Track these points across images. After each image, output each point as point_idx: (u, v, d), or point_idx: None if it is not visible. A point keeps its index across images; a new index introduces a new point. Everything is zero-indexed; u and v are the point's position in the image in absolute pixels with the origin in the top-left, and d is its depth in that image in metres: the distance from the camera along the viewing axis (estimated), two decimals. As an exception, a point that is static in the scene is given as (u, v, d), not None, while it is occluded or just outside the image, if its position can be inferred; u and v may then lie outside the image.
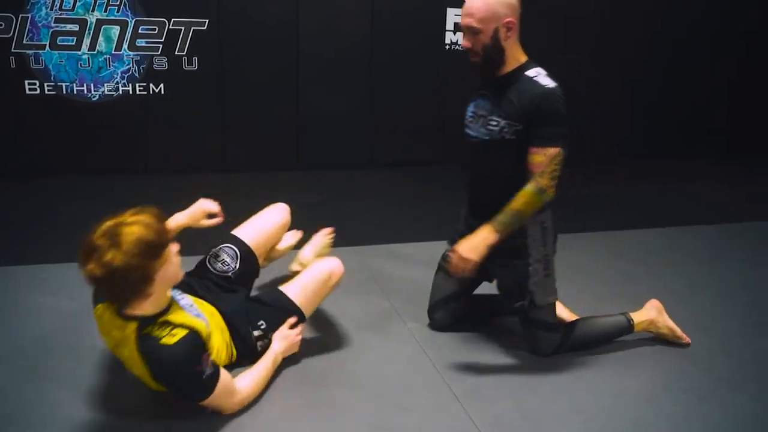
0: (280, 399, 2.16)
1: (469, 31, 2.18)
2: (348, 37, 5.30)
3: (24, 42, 4.68)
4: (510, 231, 2.18)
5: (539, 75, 2.19)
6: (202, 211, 2.38)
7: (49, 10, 4.64)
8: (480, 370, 2.38)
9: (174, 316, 1.92)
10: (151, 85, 4.95)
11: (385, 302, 2.90)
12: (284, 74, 5.22)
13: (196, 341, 1.87)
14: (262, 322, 2.26)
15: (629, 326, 2.51)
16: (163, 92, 4.97)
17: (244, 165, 5.22)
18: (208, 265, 2.41)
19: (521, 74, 2.21)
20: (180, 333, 1.83)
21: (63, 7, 4.67)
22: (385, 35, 5.34)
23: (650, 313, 2.55)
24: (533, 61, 2.26)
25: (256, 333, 2.24)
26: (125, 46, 4.85)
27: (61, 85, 4.83)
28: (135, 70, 4.90)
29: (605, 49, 5.94)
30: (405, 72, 5.46)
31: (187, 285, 2.23)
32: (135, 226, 1.74)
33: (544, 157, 2.14)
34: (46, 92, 4.81)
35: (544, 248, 2.34)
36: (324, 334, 2.60)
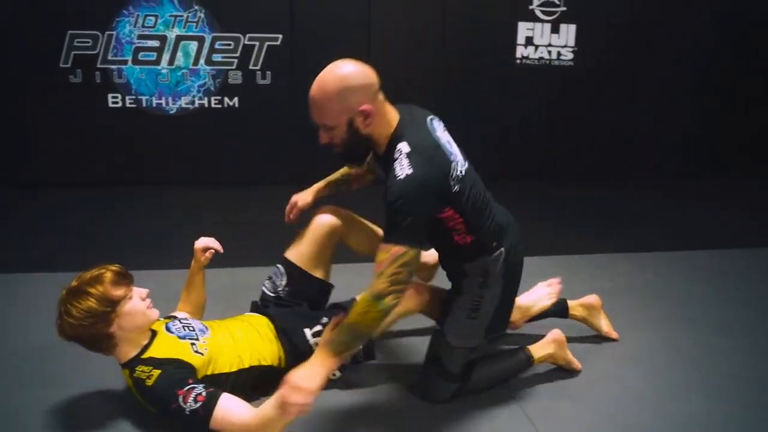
0: (336, 405, 2.16)
1: (321, 127, 1.90)
2: (419, 52, 5.32)
3: (108, 58, 4.90)
4: (352, 348, 1.85)
5: (401, 156, 1.82)
6: (199, 249, 2.34)
7: (132, 27, 4.84)
8: (556, 392, 2.31)
9: (155, 350, 2.03)
10: (225, 98, 5.09)
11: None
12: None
13: (169, 378, 1.93)
14: (325, 318, 2.25)
15: (529, 362, 2.33)
16: (237, 105, 5.10)
17: (313, 178, 5.27)
18: (263, 288, 2.46)
19: (394, 151, 1.86)
20: (155, 374, 1.93)
21: (145, 25, 4.86)
22: (456, 51, 5.33)
23: (550, 348, 2.36)
24: (405, 122, 1.95)
25: (315, 329, 2.23)
26: (202, 60, 5.00)
27: (141, 99, 5.02)
28: (211, 84, 5.05)
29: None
30: (475, 87, 5.43)
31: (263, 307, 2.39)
32: (83, 298, 1.93)
33: (386, 255, 1.76)
34: (128, 105, 5.01)
35: (482, 290, 2.07)
36: (394, 343, 2.59)
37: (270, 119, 5.20)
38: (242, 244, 3.43)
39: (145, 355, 2.02)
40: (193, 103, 5.07)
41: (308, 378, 1.72)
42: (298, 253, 2.43)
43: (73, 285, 1.98)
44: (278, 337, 2.24)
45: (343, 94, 1.81)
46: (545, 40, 5.37)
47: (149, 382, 1.94)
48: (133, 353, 2.03)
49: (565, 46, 5.40)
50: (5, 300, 2.95)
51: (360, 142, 1.90)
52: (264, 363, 2.16)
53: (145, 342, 2.07)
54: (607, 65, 5.52)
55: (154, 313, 2.07)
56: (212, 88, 5.06)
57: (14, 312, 2.82)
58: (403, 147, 1.83)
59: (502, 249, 2.05)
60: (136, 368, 1.99)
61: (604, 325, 2.71)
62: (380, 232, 2.15)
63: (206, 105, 5.08)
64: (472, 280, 2.07)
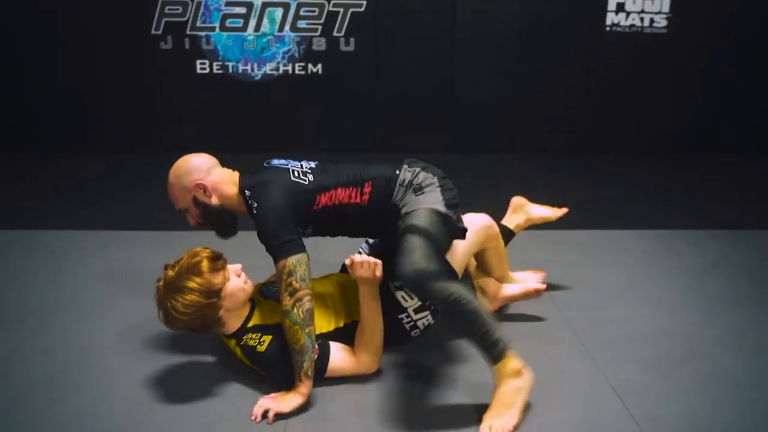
0: (429, 377, 2.17)
1: (184, 212, 2.21)
2: (506, 21, 5.18)
3: (197, 25, 5.01)
4: (306, 365, 1.94)
5: (249, 199, 2.11)
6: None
7: (220, -7, 4.94)
8: (641, 366, 2.26)
9: (258, 317, 2.15)
10: (309, 65, 5.13)
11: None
12: (439, 57, 5.20)
13: (281, 342, 2.03)
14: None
15: (500, 351, 1.93)
16: (320, 72, 5.14)
17: (393, 146, 5.28)
18: (359, 250, 2.55)
19: (246, 200, 2.14)
20: (266, 340, 2.06)
21: (233, -9, 4.95)
22: (544, 17, 5.17)
23: (526, 379, 1.96)
24: (243, 176, 2.21)
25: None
26: (287, 27, 5.04)
27: (228, 65, 5.12)
28: (295, 51, 5.10)
29: None
30: (564, 54, 5.26)
31: None
32: (186, 293, 1.97)
33: (278, 274, 2.00)
34: (215, 71, 5.12)
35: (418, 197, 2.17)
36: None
37: (353, 86, 5.21)
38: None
39: (251, 324, 2.12)
40: (277, 69, 5.13)
41: (285, 403, 1.94)
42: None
43: (169, 277, 2.00)
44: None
45: (179, 180, 2.15)
46: (638, 6, 5.14)
47: (261, 348, 2.04)
48: (238, 324, 2.12)
49: (659, 12, 5.15)
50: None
51: (216, 212, 2.18)
52: (357, 319, 2.18)
53: (247, 311, 2.15)
54: (704, 33, 5.23)
55: (251, 285, 2.14)
56: (296, 55, 5.11)
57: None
58: (247, 192, 2.12)
59: (412, 168, 2.25)
60: (244, 337, 2.08)
61: (545, 210, 2.83)
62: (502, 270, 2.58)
63: (290, 71, 5.14)
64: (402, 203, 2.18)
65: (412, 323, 2.26)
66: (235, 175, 2.22)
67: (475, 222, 2.37)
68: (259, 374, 2.10)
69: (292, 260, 1.97)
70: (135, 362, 2.24)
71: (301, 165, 2.23)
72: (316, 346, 1.99)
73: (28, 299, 2.71)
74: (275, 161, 2.26)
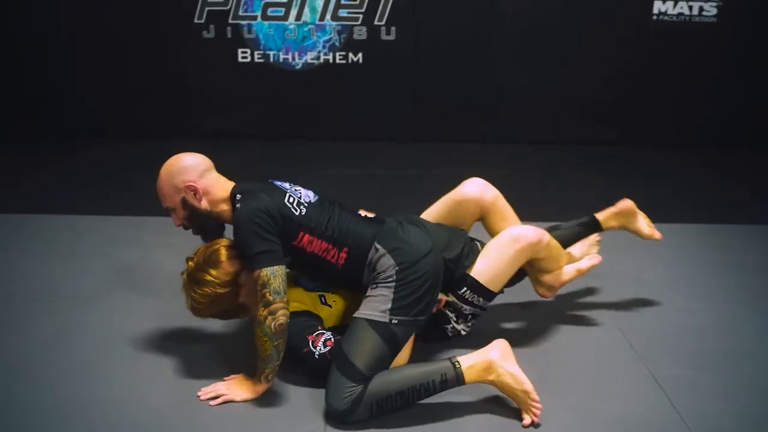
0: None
1: (169, 210, 2.14)
2: (547, 9, 5.10)
3: (239, 14, 5.04)
4: (274, 371, 1.99)
5: (239, 200, 2.05)
6: None
7: (262, -18, 4.96)
8: (688, 362, 2.22)
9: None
10: (350, 54, 5.13)
11: (582, 280, 2.79)
12: (479, 46, 5.16)
13: (300, 326, 2.05)
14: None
15: (455, 375, 1.91)
16: (361, 61, 5.14)
17: (432, 135, 5.25)
18: None
19: (233, 205, 2.09)
20: None
21: (275, -20, 4.97)
22: (588, 4, 5.08)
23: (490, 355, 1.94)
24: (238, 185, 2.14)
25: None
26: (328, 16, 5.05)
27: (269, 54, 5.14)
28: (336, 40, 5.10)
29: None
30: (608, 43, 5.17)
31: None
32: (204, 284, 2.04)
33: (254, 284, 1.96)
34: (256, 60, 5.16)
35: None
36: (518, 309, 2.57)
37: (393, 75, 5.20)
38: (362, 197, 3.48)
39: None
40: (318, 58, 5.14)
41: (237, 393, 2.01)
42: (430, 216, 2.42)
43: (190, 268, 2.08)
44: None
45: (170, 177, 2.08)
46: (686, -5, 5.02)
47: None
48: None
49: (708, 0, 5.02)
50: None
51: (201, 216, 2.10)
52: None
53: None
54: (756, 22, 5.08)
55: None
56: (337, 44, 5.11)
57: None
58: (238, 196, 2.07)
59: (380, 247, 2.06)
60: None
61: (645, 226, 2.61)
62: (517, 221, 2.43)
63: (331, 60, 5.15)
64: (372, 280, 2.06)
65: (454, 330, 2.27)
66: (228, 183, 2.15)
67: (520, 240, 2.21)
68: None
69: (267, 272, 1.91)
70: (174, 346, 2.29)
71: (300, 195, 2.13)
72: (279, 360, 1.98)
73: (79, 280, 2.79)
74: (277, 181, 2.19)
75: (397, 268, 2.02)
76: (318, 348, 2.02)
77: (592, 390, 2.05)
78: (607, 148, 5.14)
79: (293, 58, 5.15)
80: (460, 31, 5.11)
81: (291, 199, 2.07)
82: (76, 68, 5.23)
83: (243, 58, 5.16)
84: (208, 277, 2.03)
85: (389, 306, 1.97)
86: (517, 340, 2.32)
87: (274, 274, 1.92)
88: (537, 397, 1.89)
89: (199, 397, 2.01)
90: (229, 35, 5.10)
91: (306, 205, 2.09)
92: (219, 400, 1.99)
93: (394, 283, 2.00)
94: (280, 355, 1.97)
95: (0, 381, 2.08)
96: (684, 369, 2.17)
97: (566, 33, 5.12)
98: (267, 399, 2.00)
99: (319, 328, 2.09)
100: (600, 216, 2.58)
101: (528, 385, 1.89)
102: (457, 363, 1.92)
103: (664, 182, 4.34)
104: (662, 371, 2.15)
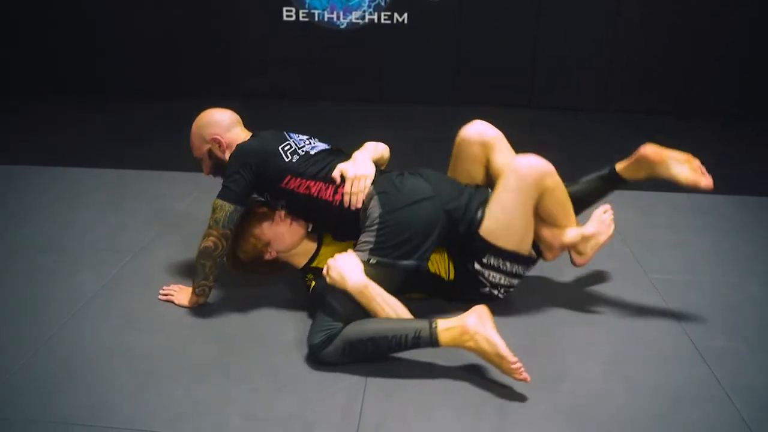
0: (514, 333, 2.17)
1: (199, 160, 2.34)
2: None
3: (285, -30, 5.01)
4: (199, 286, 2.22)
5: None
6: None
7: (309, -61, 4.91)
8: (729, 334, 2.17)
9: (322, 259, 2.22)
10: (395, 14, 5.07)
11: (625, 249, 2.75)
12: (525, 9, 5.04)
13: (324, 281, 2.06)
14: None
15: (429, 335, 1.88)
16: (406, 22, 5.07)
17: (473, 99, 5.18)
18: None
19: None
20: (314, 282, 2.18)
21: (322, -63, 4.91)
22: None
23: (467, 321, 1.87)
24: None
25: None
26: (375, -25, 4.99)
27: (314, 13, 5.11)
28: (382, 0, 5.04)
29: None
30: (653, 17, 5.00)
31: None
32: (243, 242, 2.24)
33: (215, 209, 2.14)
34: (301, 19, 5.13)
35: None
36: (561, 272, 2.54)
37: (438, 37, 5.12)
38: (400, 160, 3.46)
39: (314, 264, 2.24)
40: (363, 18, 5.09)
41: (179, 298, 2.30)
42: (446, 172, 2.41)
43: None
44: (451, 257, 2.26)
45: (199, 130, 2.29)
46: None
47: (311, 284, 2.18)
48: (304, 261, 2.26)
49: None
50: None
51: (224, 167, 2.21)
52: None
53: (314, 250, 2.27)
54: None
55: (299, 228, 2.23)
56: (383, 3, 5.05)
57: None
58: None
59: (372, 190, 2.12)
60: (307, 276, 2.23)
61: (683, 171, 2.16)
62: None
63: (376, 20, 5.09)
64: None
65: (490, 293, 2.24)
66: (249, 136, 2.29)
67: (523, 169, 2.08)
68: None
69: (218, 202, 2.12)
70: (213, 299, 2.33)
71: (302, 146, 2.23)
72: (208, 280, 2.20)
73: (124, 233, 2.86)
74: (293, 134, 2.30)
75: (381, 211, 2.07)
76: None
77: (632, 356, 2.03)
78: (654, 116, 5.01)
79: (338, 18, 5.11)
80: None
81: (287, 147, 2.20)
82: (116, 26, 5.29)
83: (288, 16, 5.14)
84: (244, 242, 2.23)
85: (370, 247, 2.05)
86: (554, 307, 2.31)
87: (222, 207, 2.11)
88: (514, 359, 1.81)
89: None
90: (275, -7, 5.08)
91: (302, 154, 2.20)
92: (165, 298, 2.31)
93: (376, 227, 2.06)
94: (207, 274, 2.18)
95: (47, 325, 2.15)
96: (726, 341, 2.13)
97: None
98: (306, 356, 2.03)
99: None
100: (620, 166, 2.30)
101: (502, 349, 1.81)
102: (434, 324, 1.89)
103: (712, 152, 4.20)
104: (703, 341, 2.11)
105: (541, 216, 2.18)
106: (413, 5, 5.03)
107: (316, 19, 5.12)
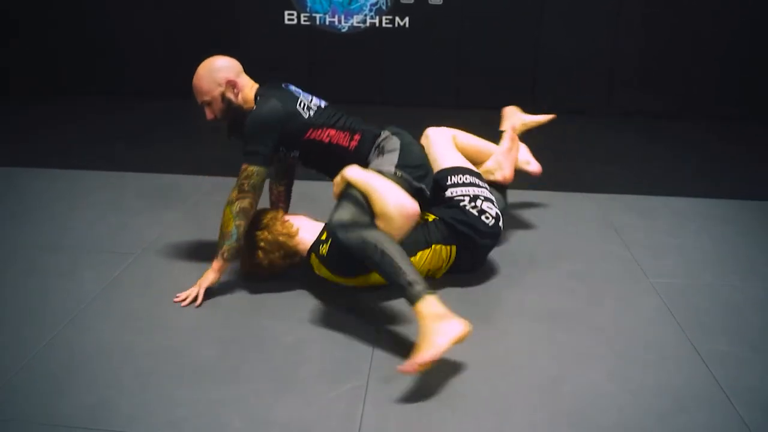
0: (516, 336, 2.17)
1: (204, 105, 2.38)
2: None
3: (287, -26, 5.02)
4: (230, 249, 2.30)
5: (257, 101, 2.37)
6: None
7: (310, -57, 4.92)
8: (731, 337, 2.17)
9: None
10: (397, 18, 5.07)
11: (626, 253, 2.76)
12: (527, 14, 5.05)
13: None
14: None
15: (413, 294, 1.93)
16: (407, 26, 5.07)
17: (476, 102, 5.18)
18: None
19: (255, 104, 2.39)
20: (325, 247, 2.29)
21: (323, -59, 4.92)
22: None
23: (450, 323, 1.88)
24: (262, 87, 2.43)
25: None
26: (376, -21, 5.00)
27: (316, 16, 5.12)
28: (383, 3, 5.04)
29: None
30: (654, 20, 5.01)
31: None
32: (273, 246, 2.36)
33: (240, 172, 2.30)
34: (302, 22, 5.14)
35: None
36: (562, 276, 2.54)
37: (439, 40, 5.13)
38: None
39: (323, 236, 2.34)
40: (364, 21, 5.10)
41: (203, 281, 2.31)
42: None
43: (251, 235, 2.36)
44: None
45: (211, 73, 2.36)
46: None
47: (324, 251, 2.30)
48: (311, 240, 2.38)
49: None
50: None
51: (235, 110, 2.37)
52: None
53: (319, 230, 2.40)
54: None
55: (292, 225, 2.40)
56: (384, 8, 5.06)
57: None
58: (258, 97, 2.38)
59: (387, 133, 2.46)
60: (320, 247, 2.32)
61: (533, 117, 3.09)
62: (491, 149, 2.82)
63: (377, 24, 5.10)
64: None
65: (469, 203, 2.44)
66: (255, 85, 2.45)
67: (441, 132, 2.72)
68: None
69: (252, 168, 2.28)
70: (215, 300, 2.33)
71: (311, 100, 2.47)
72: (237, 242, 2.30)
73: (123, 234, 2.86)
74: (292, 87, 2.49)
75: (401, 143, 2.40)
76: None
77: (633, 359, 2.03)
78: (659, 120, 5.03)
79: (339, 21, 5.12)
80: (509, -3, 5.01)
81: (302, 105, 2.40)
82: (114, 26, 5.29)
83: (289, 20, 5.15)
84: (264, 235, 2.35)
85: (396, 163, 2.32)
86: (555, 310, 2.31)
87: (258, 173, 2.29)
88: (423, 362, 1.81)
89: (176, 300, 2.30)
90: (276, -4, 5.09)
91: (314, 108, 2.43)
92: (186, 301, 2.28)
93: (398, 152, 2.36)
94: (239, 236, 2.28)
95: (48, 326, 2.15)
96: (728, 344, 2.13)
97: (618, 3, 4.98)
98: (310, 358, 2.03)
99: None
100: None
101: (432, 355, 1.82)
102: (428, 294, 1.93)
103: (713, 156, 4.22)
104: (705, 345, 2.11)
105: (469, 159, 2.67)
106: (415, 9, 5.04)
107: (318, 22, 5.13)
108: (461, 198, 2.44)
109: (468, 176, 2.53)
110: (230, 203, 2.29)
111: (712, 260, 2.73)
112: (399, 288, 1.98)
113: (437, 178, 2.50)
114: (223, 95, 2.36)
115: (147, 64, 5.37)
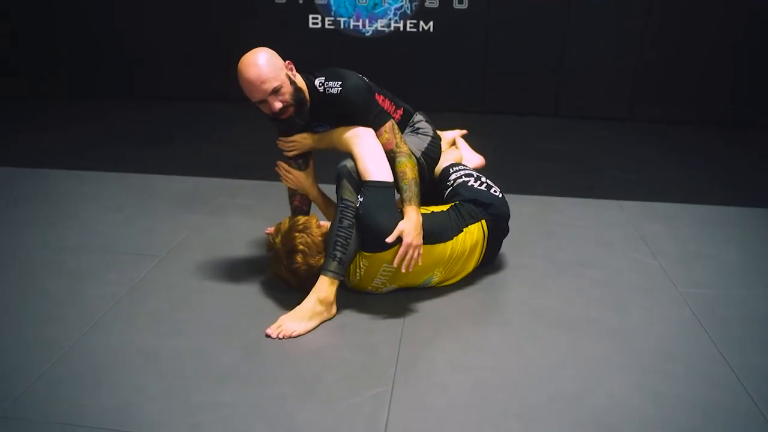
0: (540, 344, 2.14)
1: (273, 93, 2.29)
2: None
3: (312, -22, 5.04)
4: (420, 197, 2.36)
5: (324, 84, 2.37)
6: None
7: (336, -52, 4.92)
8: (763, 349, 2.12)
9: None
10: (421, 22, 5.06)
11: (653, 261, 2.71)
12: (553, 19, 5.01)
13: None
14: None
15: (329, 265, 2.23)
16: (431, 30, 5.06)
17: (500, 107, 5.16)
18: None
19: (315, 87, 2.40)
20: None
21: (348, -55, 4.93)
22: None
23: (319, 298, 2.21)
24: (303, 73, 2.45)
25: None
26: (401, -17, 4.99)
27: (340, 20, 5.12)
28: (408, 8, 5.04)
29: None
30: (685, 30, 4.94)
31: None
32: (299, 250, 2.34)
33: (387, 134, 2.35)
34: (326, 26, 5.14)
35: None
36: (587, 284, 2.51)
37: (464, 45, 5.11)
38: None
39: None
40: (389, 26, 5.10)
41: (418, 235, 2.25)
42: None
43: (278, 243, 2.36)
44: None
45: (270, 59, 2.32)
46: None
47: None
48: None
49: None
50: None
51: (300, 91, 2.36)
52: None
53: None
54: None
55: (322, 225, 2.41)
56: (408, 12, 5.05)
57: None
58: (319, 80, 2.40)
59: (421, 116, 2.68)
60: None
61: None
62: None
63: (401, 28, 5.09)
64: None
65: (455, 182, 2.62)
66: None
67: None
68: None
69: (391, 123, 2.37)
70: (240, 302, 2.33)
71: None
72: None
73: (150, 237, 2.87)
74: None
75: (432, 133, 2.61)
76: None
77: (660, 371, 1.99)
78: (685, 127, 4.97)
79: (364, 26, 5.12)
80: (535, 2, 4.97)
81: (359, 75, 2.46)
82: (143, 30, 5.33)
83: (314, 24, 5.16)
84: (295, 237, 2.33)
85: (423, 150, 2.53)
86: (582, 320, 2.28)
87: (393, 127, 2.37)
88: (285, 335, 2.12)
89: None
90: (301, 1, 5.10)
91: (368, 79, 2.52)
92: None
93: (428, 138, 2.58)
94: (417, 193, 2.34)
95: (73, 328, 2.16)
96: (760, 356, 2.08)
97: (645, 12, 4.92)
98: (333, 364, 2.02)
99: None
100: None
101: (302, 328, 2.15)
102: (335, 277, 2.22)
103: (739, 164, 4.15)
104: (736, 357, 2.07)
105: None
106: (439, 13, 5.02)
107: (342, 26, 5.13)
108: (467, 180, 2.60)
109: (467, 168, 2.70)
110: (408, 156, 2.34)
111: (742, 270, 2.68)
112: (326, 248, 2.25)
113: (440, 178, 2.67)
114: (288, 77, 2.35)
115: (172, 68, 5.41)
